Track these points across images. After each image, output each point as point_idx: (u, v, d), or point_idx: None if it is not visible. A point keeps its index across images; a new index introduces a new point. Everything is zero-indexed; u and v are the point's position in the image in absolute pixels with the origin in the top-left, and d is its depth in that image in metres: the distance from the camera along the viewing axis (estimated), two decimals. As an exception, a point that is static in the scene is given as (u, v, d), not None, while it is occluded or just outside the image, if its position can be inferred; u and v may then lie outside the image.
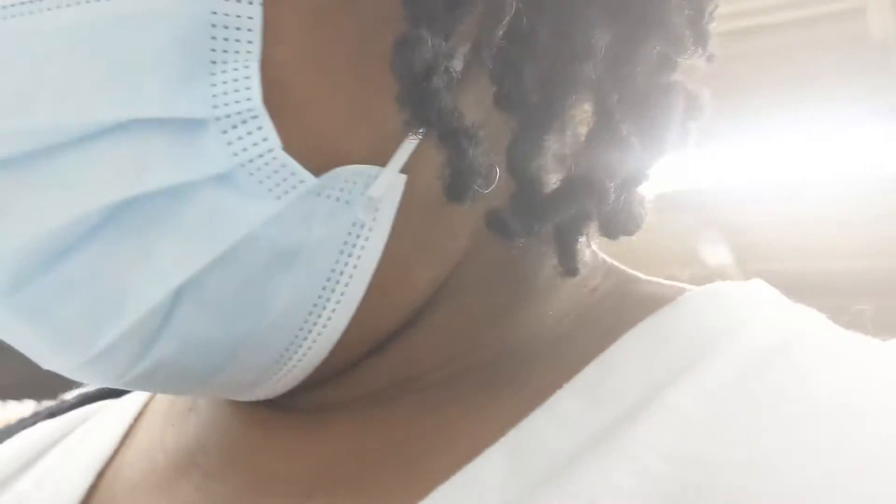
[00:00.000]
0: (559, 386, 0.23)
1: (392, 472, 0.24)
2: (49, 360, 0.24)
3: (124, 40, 0.20)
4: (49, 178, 0.21)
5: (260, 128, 0.21)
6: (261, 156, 0.21)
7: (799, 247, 3.33)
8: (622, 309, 0.26)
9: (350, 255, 0.23)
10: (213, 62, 0.21)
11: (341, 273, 0.24)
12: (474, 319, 0.27)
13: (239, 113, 0.21)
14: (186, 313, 0.23)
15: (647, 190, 0.28)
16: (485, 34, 0.23)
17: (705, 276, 0.28)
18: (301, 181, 0.22)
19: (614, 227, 0.27)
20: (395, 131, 0.23)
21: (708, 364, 0.22)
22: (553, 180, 0.25)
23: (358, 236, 0.23)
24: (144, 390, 0.28)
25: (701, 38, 0.26)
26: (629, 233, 0.27)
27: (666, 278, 0.28)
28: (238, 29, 0.20)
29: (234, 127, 0.21)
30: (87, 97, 0.20)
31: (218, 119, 0.21)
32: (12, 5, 0.21)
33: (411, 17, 0.22)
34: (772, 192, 2.65)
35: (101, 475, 0.30)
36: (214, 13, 0.20)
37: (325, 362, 0.26)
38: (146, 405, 0.33)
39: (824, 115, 2.58)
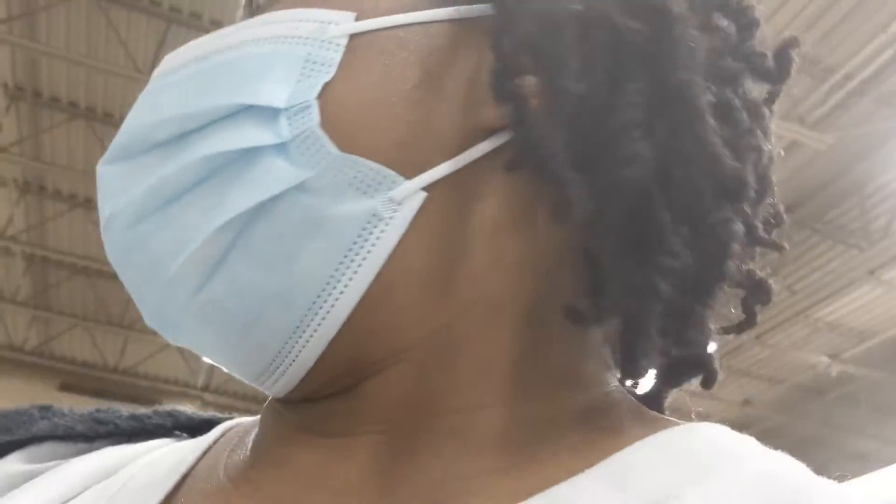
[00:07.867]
0: (579, 469, 0.28)
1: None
2: (142, 283, 0.32)
3: (253, 63, 0.30)
4: (179, 148, 0.30)
5: (310, 114, 0.29)
6: (304, 131, 0.29)
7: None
8: (639, 417, 0.31)
9: (366, 241, 0.29)
10: (299, 81, 0.30)
11: (356, 254, 0.29)
12: (500, 367, 0.30)
13: (300, 103, 0.29)
14: (236, 258, 0.29)
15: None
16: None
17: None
18: (329, 153, 0.29)
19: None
20: (432, 156, 0.30)
21: (713, 479, 0.27)
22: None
23: (375, 227, 0.29)
24: (201, 340, 0.32)
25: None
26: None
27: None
28: (322, 65, 0.30)
29: (296, 114, 0.29)
30: (215, 92, 0.30)
31: (287, 109, 0.29)
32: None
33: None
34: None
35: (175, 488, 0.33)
36: (309, 54, 0.30)
37: (328, 360, 0.30)
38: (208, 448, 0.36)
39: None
